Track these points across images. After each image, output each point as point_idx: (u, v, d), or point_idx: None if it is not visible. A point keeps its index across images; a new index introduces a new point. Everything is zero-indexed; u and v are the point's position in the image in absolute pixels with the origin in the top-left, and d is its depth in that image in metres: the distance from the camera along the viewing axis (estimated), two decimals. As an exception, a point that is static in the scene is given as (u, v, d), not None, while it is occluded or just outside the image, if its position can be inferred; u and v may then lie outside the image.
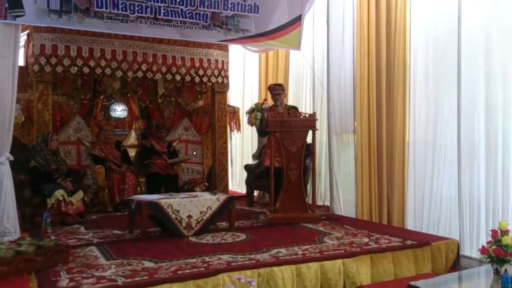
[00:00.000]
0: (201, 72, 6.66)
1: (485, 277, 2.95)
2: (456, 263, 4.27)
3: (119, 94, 7.44)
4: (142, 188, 6.71)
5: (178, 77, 6.53)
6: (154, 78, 6.53)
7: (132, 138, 7.50)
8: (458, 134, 4.59)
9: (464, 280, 3.06)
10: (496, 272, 2.85)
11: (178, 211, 4.59)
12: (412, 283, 2.79)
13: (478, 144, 4.48)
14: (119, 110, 7.50)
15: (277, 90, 5.94)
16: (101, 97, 7.38)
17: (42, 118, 5.89)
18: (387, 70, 5.51)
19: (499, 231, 2.90)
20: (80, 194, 5.44)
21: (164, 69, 6.41)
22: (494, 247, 2.85)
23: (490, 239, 2.95)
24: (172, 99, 7.85)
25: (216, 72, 6.81)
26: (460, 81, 4.59)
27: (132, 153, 7.25)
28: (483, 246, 2.96)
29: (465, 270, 3.58)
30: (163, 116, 7.94)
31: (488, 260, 2.90)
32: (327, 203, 6.68)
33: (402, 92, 5.33)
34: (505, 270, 2.60)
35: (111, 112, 7.47)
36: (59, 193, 5.18)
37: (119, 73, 6.27)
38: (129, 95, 7.57)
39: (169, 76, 6.50)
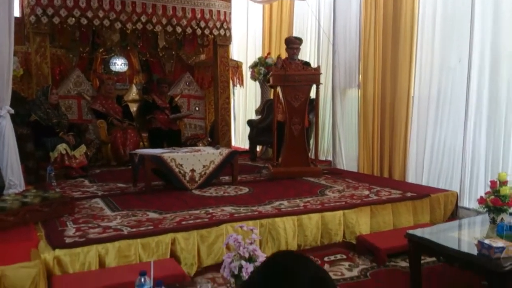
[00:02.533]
0: (202, 24, 6.51)
1: (482, 226, 3.02)
2: (455, 214, 4.36)
3: (119, 47, 7.34)
4: (144, 144, 6.74)
5: (178, 29, 6.39)
6: (154, 30, 6.39)
7: (133, 93, 7.46)
8: (468, 87, 4.54)
9: (461, 228, 3.12)
10: (493, 221, 2.91)
11: (181, 165, 4.63)
12: (410, 231, 2.86)
13: (481, 97, 4.45)
14: (119, 64, 7.42)
15: (296, 43, 5.73)
16: (101, 50, 7.29)
17: (40, 71, 5.82)
18: (394, 22, 5.39)
19: (498, 182, 2.93)
20: (83, 148, 5.47)
21: (164, 21, 6.26)
22: (492, 197, 2.89)
23: (489, 190, 2.99)
24: (173, 52, 7.75)
25: (218, 24, 6.66)
26: (473, 33, 4.48)
27: (133, 108, 7.23)
28: (481, 197, 3.00)
29: (462, 219, 3.65)
30: (164, 70, 7.86)
31: (485, 210, 2.96)
32: (330, 158, 6.73)
33: (409, 45, 5.23)
34: (502, 219, 2.65)
35: (111, 66, 7.39)
36: (61, 147, 5.21)
37: (118, 25, 6.13)
38: (129, 48, 7.47)
39: (169, 28, 6.36)
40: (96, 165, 6.38)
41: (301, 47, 5.81)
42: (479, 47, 4.48)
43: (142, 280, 2.02)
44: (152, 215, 3.70)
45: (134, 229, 3.28)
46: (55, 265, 2.82)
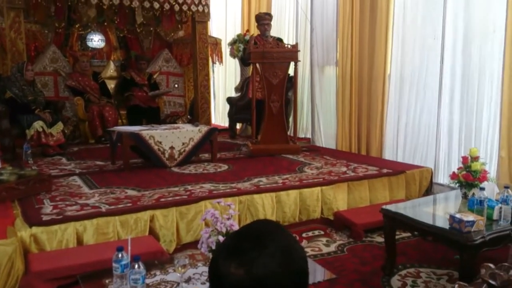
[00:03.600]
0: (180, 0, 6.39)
1: (454, 201, 3.10)
2: (430, 190, 4.47)
3: (95, 23, 7.16)
4: (123, 121, 6.66)
5: (156, 5, 6.26)
6: (132, 5, 6.24)
7: (111, 70, 7.32)
8: (441, 65, 4.61)
9: (434, 203, 3.21)
10: (465, 196, 3.00)
11: (160, 142, 4.60)
12: (385, 207, 2.92)
13: (454, 74, 4.53)
14: (96, 40, 7.26)
15: (266, 19, 5.75)
16: (77, 26, 7.11)
17: (15, 47, 5.65)
18: (371, 0, 5.38)
19: (469, 158, 3.01)
20: (60, 125, 5.38)
21: (141, -4, 6.12)
22: (464, 172, 2.97)
23: (461, 165, 3.07)
24: (151, 28, 7.60)
25: (196, 0, 6.53)
26: (446, 11, 4.53)
27: (111, 85, 7.12)
28: (453, 172, 3.08)
29: (436, 195, 3.75)
30: (143, 47, 7.73)
31: (457, 185, 3.04)
32: (309, 136, 6.79)
33: (385, 23, 5.26)
34: (473, 193, 2.73)
35: (87, 42, 7.22)
36: (38, 124, 5.11)
37: (94, 0, 5.96)
38: (106, 24, 7.29)
39: (147, 4, 6.22)
40: (74, 143, 6.31)
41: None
42: (452, 25, 4.54)
43: (120, 255, 2.03)
44: (131, 192, 3.69)
45: (112, 207, 3.27)
46: (32, 243, 2.81)
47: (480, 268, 1.13)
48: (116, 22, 7.29)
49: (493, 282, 1.08)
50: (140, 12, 7.01)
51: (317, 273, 2.67)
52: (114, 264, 2.08)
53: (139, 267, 2.00)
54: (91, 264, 2.67)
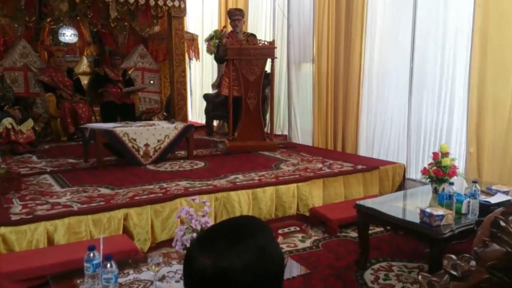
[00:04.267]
0: (156, -6, 6.29)
1: (425, 196, 3.17)
2: (402, 186, 4.55)
3: (68, 17, 7.00)
4: (96, 118, 6.55)
5: (131, 0, 6.15)
6: (105, 0, 6.13)
7: (84, 65, 7.18)
8: (411, 62, 4.69)
9: (406, 198, 3.27)
10: (435, 190, 3.07)
11: (134, 140, 4.54)
12: (359, 202, 2.96)
13: (425, 72, 4.62)
14: (68, 35, 7.10)
15: (237, 15, 5.74)
16: (48, 20, 6.93)
17: (-17, 41, 5.49)
18: (346, -2, 5.44)
19: (440, 153, 3.08)
20: (30, 122, 5.24)
21: (115, -9, 6.00)
22: (434, 168, 3.04)
23: (431, 161, 3.14)
24: (126, 23, 7.48)
25: (172, -5, 6.45)
26: (417, 9, 4.60)
27: (84, 81, 6.98)
28: (424, 168, 3.15)
29: (407, 190, 3.83)
30: (117, 42, 7.60)
31: (428, 180, 3.11)
32: (286, 132, 6.81)
33: (360, 21, 5.30)
34: (443, 188, 2.79)
35: (59, 37, 7.06)
36: (7, 121, 4.97)
37: (66, -6, 5.84)
38: (78, 18, 7.14)
39: (121, -2, 6.11)
40: (45, 141, 6.16)
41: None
42: (422, 24, 4.63)
43: (91, 255, 2.00)
44: (104, 190, 3.64)
45: (84, 205, 3.22)
46: (0, 243, 2.74)
47: (443, 260, 1.16)
48: (89, 16, 7.16)
49: (454, 273, 1.11)
50: (115, 6, 6.88)
51: (292, 268, 2.69)
52: (85, 264, 2.04)
53: (111, 266, 1.97)
54: (62, 264, 2.61)
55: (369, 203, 2.98)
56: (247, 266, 0.88)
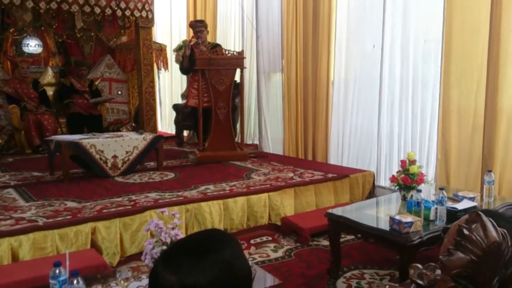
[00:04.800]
0: (122, 4, 6.21)
1: (395, 203, 3.23)
2: (372, 193, 4.62)
3: (32, 27, 6.82)
4: (62, 129, 6.39)
5: (97, 10, 6.06)
6: (71, 10, 6.00)
7: (49, 76, 7.01)
8: (381, 72, 4.80)
9: (376, 206, 3.32)
10: (404, 198, 3.13)
11: (102, 151, 4.44)
12: (329, 211, 2.99)
13: (393, 81, 4.74)
14: (32, 45, 6.93)
15: (198, 26, 5.79)
16: (11, 30, 6.74)
17: None
18: (314, 9, 5.52)
19: (407, 161, 3.15)
20: (-8, 135, 5.07)
21: (81, 0, 5.90)
22: (402, 175, 3.10)
23: (400, 169, 3.20)
24: (92, 34, 7.35)
25: (139, 5, 6.38)
26: (385, 19, 4.73)
27: (50, 92, 6.82)
28: (393, 175, 3.21)
29: (377, 198, 3.89)
30: (83, 52, 7.46)
31: (397, 187, 3.17)
32: (256, 142, 6.82)
33: (327, 31, 5.39)
34: (411, 195, 2.85)
35: (23, 47, 6.88)
36: (-33, 134, 4.80)
37: (30, 4, 5.67)
38: (43, 28, 6.98)
39: (87, 8, 6.00)
40: (9, 153, 5.94)
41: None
42: (390, 34, 4.74)
43: (57, 271, 1.93)
44: (71, 204, 3.54)
45: (50, 220, 3.12)
46: (-40, 262, 2.61)
47: (409, 269, 1.18)
48: (54, 26, 6.99)
49: (420, 282, 1.13)
50: (80, 17, 6.75)
51: (263, 279, 2.67)
52: (51, 281, 1.97)
53: (78, 282, 1.90)
54: (28, 281, 2.53)
55: (339, 211, 3.01)
56: (213, 282, 0.87)
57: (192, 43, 6.03)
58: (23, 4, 5.65)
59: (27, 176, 4.61)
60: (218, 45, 5.83)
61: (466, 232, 1.15)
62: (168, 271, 0.88)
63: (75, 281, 1.90)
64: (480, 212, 1.20)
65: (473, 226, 1.16)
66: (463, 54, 3.96)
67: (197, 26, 5.78)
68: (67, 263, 1.96)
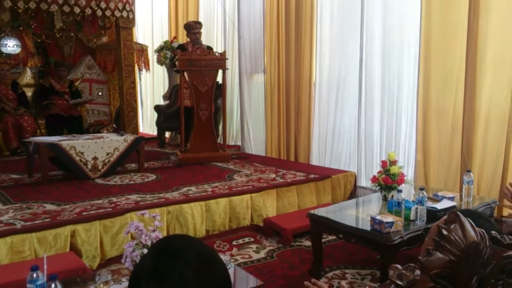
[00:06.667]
0: (103, 4, 6.13)
1: (376, 203, 3.26)
2: (354, 193, 4.66)
3: (10, 27, 6.69)
4: (42, 131, 6.28)
5: (77, 10, 5.97)
6: (50, 10, 5.90)
7: (28, 77, 6.88)
8: (360, 73, 4.85)
9: (357, 206, 3.35)
10: (385, 198, 3.16)
11: (82, 153, 4.38)
12: (311, 211, 3.00)
13: (373, 82, 4.79)
14: (10, 46, 6.79)
15: (197, 28, 5.71)
16: (-12, 30, 6.60)
17: None
18: (296, 9, 5.54)
19: (388, 162, 3.18)
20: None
21: (60, 0, 5.81)
22: (383, 176, 3.13)
23: (380, 169, 3.23)
24: (72, 34, 7.24)
25: (120, 6, 6.30)
26: (364, 21, 4.78)
27: (28, 93, 6.69)
28: (374, 176, 3.24)
29: (358, 198, 3.92)
30: (63, 53, 7.34)
31: (378, 188, 3.20)
32: (239, 143, 6.81)
33: (310, 31, 5.42)
34: (392, 196, 2.87)
35: (1, 48, 6.74)
36: None
37: (7, 3, 5.57)
38: (21, 28, 6.84)
39: (66, 8, 5.91)
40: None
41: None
42: (370, 36, 4.80)
43: (34, 275, 1.89)
44: (50, 207, 3.47)
45: (28, 223, 3.06)
46: None
47: (389, 270, 1.18)
48: (33, 26, 6.86)
49: (400, 283, 1.14)
50: (60, 17, 6.64)
51: (244, 281, 2.66)
52: (28, 285, 1.93)
53: (56, 286, 1.87)
54: (5, 285, 2.48)
55: (321, 212, 3.02)
56: None
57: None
58: (1, 3, 5.55)
59: (5, 178, 4.52)
60: (210, 48, 5.81)
61: (445, 232, 1.16)
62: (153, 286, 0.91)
63: (53, 285, 1.86)
64: (458, 212, 1.21)
65: (451, 227, 1.18)
66: (442, 55, 4.02)
67: (196, 28, 5.68)
68: (45, 266, 1.93)
